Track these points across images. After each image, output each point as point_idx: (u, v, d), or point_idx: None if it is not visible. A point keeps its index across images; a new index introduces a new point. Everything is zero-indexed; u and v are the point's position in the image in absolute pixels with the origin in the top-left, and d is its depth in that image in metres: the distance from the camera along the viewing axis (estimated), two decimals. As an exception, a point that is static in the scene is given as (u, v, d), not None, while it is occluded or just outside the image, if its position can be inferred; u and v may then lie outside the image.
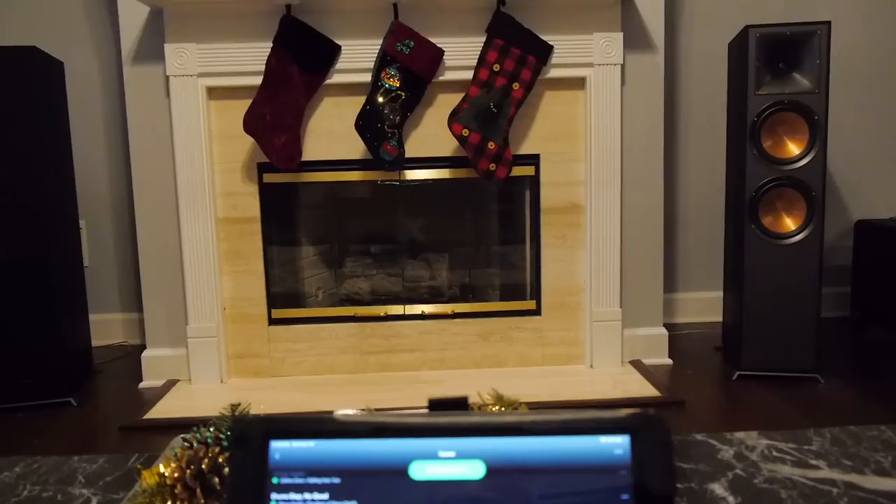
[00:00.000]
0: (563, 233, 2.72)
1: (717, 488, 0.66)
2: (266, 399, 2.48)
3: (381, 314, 2.75)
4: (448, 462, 0.39)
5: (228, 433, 0.70)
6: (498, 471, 0.38)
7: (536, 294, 2.77)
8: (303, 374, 2.71)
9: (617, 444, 0.38)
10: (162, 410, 2.38)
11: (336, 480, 0.39)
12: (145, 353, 2.71)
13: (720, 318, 2.91)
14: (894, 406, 2.28)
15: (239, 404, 0.72)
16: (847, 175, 3.32)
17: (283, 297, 2.82)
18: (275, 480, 0.39)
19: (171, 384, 2.64)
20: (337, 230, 3.07)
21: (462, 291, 2.99)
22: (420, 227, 3.06)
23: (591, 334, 2.72)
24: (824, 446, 0.73)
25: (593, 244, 2.68)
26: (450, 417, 0.40)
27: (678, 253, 3.33)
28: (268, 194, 2.67)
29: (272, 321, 2.71)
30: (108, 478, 0.73)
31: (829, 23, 2.37)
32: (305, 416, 0.40)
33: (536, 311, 2.76)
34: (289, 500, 0.39)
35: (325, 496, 0.39)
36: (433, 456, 0.39)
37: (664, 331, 2.81)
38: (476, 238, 3.09)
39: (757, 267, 2.48)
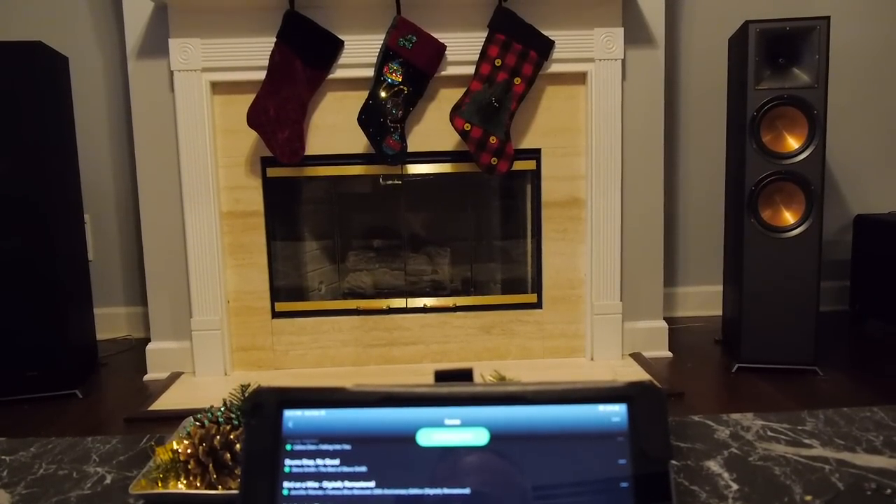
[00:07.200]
0: (564, 226, 2.74)
1: (713, 466, 0.68)
2: (269, 391, 2.49)
3: (384, 307, 2.77)
4: (453, 429, 0.40)
5: (238, 412, 0.72)
6: (501, 437, 0.40)
7: (537, 287, 2.79)
8: (306, 367, 2.73)
9: (614, 412, 0.40)
10: (166, 402, 2.40)
11: (347, 447, 0.40)
12: (150, 346, 2.73)
13: (720, 313, 2.93)
14: (892, 398, 2.29)
15: (248, 385, 0.74)
16: (846, 169, 3.34)
17: (287, 291, 2.84)
18: (288, 447, 0.40)
19: (175, 377, 2.66)
20: (339, 224, 3.09)
21: (464, 285, 3.01)
22: (422, 221, 3.08)
23: (591, 327, 2.74)
24: (818, 426, 0.75)
25: (594, 238, 2.69)
26: (455, 388, 0.42)
27: (678, 246, 3.34)
28: (271, 188, 2.69)
29: (276, 314, 2.73)
30: (121, 457, 0.75)
31: (828, 18, 2.38)
32: (317, 387, 0.42)
33: (537, 305, 2.78)
34: (302, 466, 0.40)
35: (337, 462, 0.40)
36: (439, 424, 0.40)
37: (664, 324, 2.83)
38: (477, 232, 3.10)
39: (756, 260, 2.50)
